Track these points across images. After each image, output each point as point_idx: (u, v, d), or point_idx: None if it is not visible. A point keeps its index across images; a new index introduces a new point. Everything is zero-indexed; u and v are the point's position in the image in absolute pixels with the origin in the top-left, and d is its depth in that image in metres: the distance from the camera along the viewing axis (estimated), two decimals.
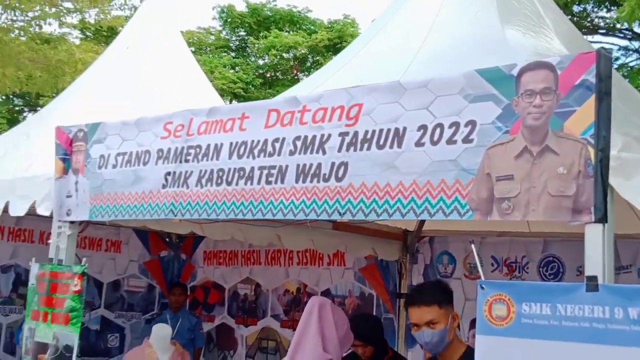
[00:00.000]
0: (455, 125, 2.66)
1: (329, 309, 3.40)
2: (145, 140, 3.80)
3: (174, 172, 3.63)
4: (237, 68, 25.05)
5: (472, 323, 5.81)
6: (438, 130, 2.71)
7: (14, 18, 10.95)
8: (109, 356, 7.92)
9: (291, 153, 3.18)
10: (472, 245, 2.97)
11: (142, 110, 4.05)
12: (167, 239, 8.29)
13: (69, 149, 4.21)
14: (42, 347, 4.17)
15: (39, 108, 25.65)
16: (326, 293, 6.94)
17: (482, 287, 2.56)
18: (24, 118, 26.92)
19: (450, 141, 2.67)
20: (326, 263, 7.10)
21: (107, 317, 7.95)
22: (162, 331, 5.02)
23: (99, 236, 7.69)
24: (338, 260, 7.00)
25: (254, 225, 4.98)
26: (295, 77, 24.82)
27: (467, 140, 2.62)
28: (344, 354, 4.59)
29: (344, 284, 6.97)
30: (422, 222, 5.95)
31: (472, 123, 2.62)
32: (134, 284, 8.23)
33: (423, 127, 2.76)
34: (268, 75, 26.01)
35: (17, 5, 10.53)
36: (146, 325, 7.83)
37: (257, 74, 25.25)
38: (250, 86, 24.05)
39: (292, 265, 7.41)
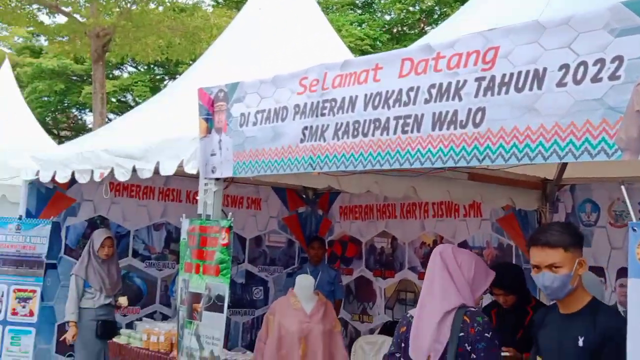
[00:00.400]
0: (600, 62, 2.55)
1: (451, 253, 3.35)
2: (282, 96, 3.91)
3: (311, 127, 3.72)
4: (363, 25, 24.91)
5: (620, 272, 5.58)
6: (581, 69, 2.60)
7: None
8: (255, 308, 8.31)
9: (426, 101, 3.17)
10: (622, 187, 2.84)
11: (278, 69, 4.15)
12: (304, 196, 8.50)
13: (211, 109, 4.41)
14: (196, 297, 4.45)
15: (177, 76, 26.93)
16: (463, 245, 6.87)
17: (634, 230, 2.46)
18: (165, 86, 28.33)
19: (595, 79, 2.55)
20: (462, 214, 7.02)
21: (251, 271, 8.31)
22: (305, 281, 5.19)
23: (241, 194, 8.02)
24: (474, 212, 6.91)
25: (390, 176, 5.01)
26: (423, 31, 24.33)
27: (613, 77, 2.50)
28: (485, 303, 4.58)
29: (482, 235, 6.88)
30: (562, 169, 5.73)
31: (619, 59, 2.49)
32: (274, 239, 8.53)
33: (565, 67, 2.66)
34: (395, 30, 25.67)
35: None
36: (288, 278, 8.13)
37: (384, 29, 24.99)
38: (378, 42, 23.86)
39: (428, 218, 7.39)
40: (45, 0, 11.60)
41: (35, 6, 12.00)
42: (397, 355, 3.43)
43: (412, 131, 3.23)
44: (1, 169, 8.62)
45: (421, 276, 7.36)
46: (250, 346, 7.67)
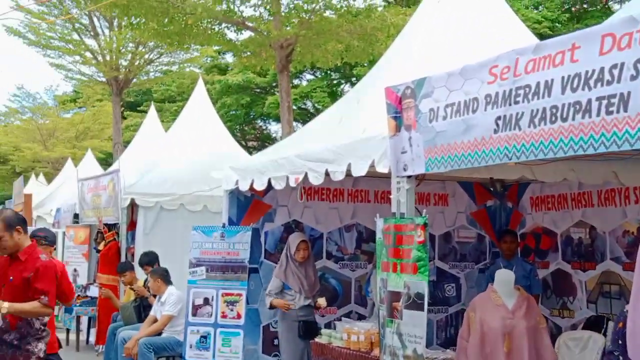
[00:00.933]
0: None
1: None
2: (472, 87, 3.84)
3: (504, 116, 3.63)
4: (540, 7, 23.90)
5: None
6: None
7: None
8: (448, 305, 8.21)
9: (633, 78, 2.98)
10: None
11: (464, 61, 4.07)
12: (491, 189, 8.28)
13: (399, 107, 4.43)
14: (395, 296, 4.49)
15: (353, 79, 27.49)
16: None
17: None
18: (341, 90, 29.03)
19: None
20: None
21: (442, 268, 8.22)
22: (505, 276, 5.05)
23: (427, 191, 7.95)
24: None
25: (588, 162, 4.75)
26: (606, 6, 22.85)
27: None
28: None
29: None
30: None
31: None
32: (463, 234, 8.37)
33: None
34: (574, 9, 24.35)
35: None
36: (480, 274, 7.95)
37: (562, 9, 23.80)
38: (557, 24, 22.77)
39: (630, 205, 6.88)
40: (232, 18, 12.35)
41: (223, 25, 12.82)
42: (616, 353, 3.24)
43: (617, 111, 3.06)
44: (203, 181, 9.26)
45: (626, 267, 6.90)
46: (445, 344, 7.60)
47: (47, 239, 6.69)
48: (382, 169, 4.67)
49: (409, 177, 4.46)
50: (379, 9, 14.08)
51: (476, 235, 8.37)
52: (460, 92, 3.92)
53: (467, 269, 8.31)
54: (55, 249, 7.16)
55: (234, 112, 29.59)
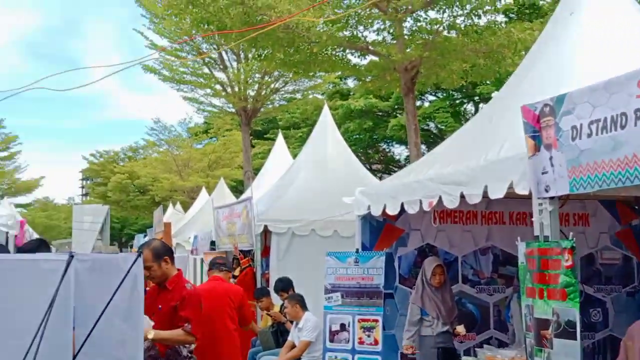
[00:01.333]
0: None
1: None
2: (619, 102, 3.62)
3: None
4: None
5: None
6: None
7: (455, 14, 11.74)
8: (594, 331, 7.76)
9: None
10: None
11: (606, 74, 3.85)
12: (635, 207, 7.80)
13: (537, 126, 4.25)
14: (542, 323, 4.27)
15: (476, 97, 26.95)
16: None
17: None
18: (464, 110, 28.56)
19: None
20: None
21: (586, 292, 7.79)
22: None
23: (565, 211, 7.60)
24: None
25: None
26: None
27: None
28: None
29: None
30: None
31: None
32: (608, 256, 7.92)
33: None
34: None
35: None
36: (628, 298, 7.47)
37: None
38: None
39: None
40: (356, 44, 12.49)
41: (347, 51, 13.02)
42: None
43: None
44: (333, 205, 9.33)
45: None
46: None
47: (225, 265, 7.53)
48: (521, 190, 4.49)
49: (552, 198, 4.25)
50: (502, 25, 13.77)
51: (622, 257, 7.90)
52: (606, 108, 3.70)
53: (613, 293, 7.84)
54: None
55: (357, 136, 29.84)
